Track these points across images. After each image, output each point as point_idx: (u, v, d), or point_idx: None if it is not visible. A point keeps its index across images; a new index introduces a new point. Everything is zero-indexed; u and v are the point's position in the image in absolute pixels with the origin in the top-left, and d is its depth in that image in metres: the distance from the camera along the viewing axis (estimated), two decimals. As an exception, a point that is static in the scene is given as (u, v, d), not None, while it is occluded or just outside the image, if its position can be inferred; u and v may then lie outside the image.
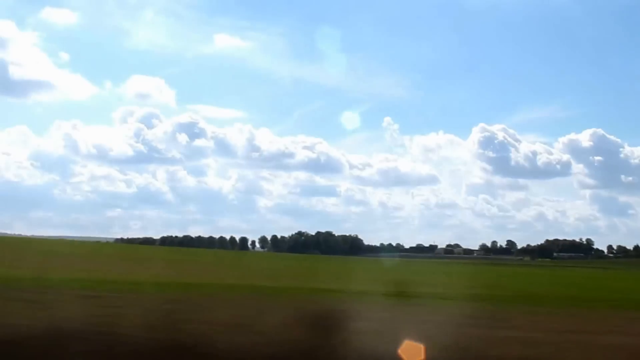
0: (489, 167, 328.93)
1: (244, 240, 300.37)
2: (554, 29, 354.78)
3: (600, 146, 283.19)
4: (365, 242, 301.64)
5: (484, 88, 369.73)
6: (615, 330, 17.01)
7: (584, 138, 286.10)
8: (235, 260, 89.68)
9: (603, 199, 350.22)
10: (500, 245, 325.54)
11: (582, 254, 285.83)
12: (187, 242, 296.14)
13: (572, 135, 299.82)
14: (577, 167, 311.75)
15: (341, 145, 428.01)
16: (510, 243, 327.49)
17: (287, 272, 63.83)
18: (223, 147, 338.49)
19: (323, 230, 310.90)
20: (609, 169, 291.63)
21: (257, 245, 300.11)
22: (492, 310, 22.12)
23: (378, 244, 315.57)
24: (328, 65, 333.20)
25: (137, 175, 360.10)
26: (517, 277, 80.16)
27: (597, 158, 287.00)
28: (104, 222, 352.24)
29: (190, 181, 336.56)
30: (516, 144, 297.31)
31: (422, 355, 13.45)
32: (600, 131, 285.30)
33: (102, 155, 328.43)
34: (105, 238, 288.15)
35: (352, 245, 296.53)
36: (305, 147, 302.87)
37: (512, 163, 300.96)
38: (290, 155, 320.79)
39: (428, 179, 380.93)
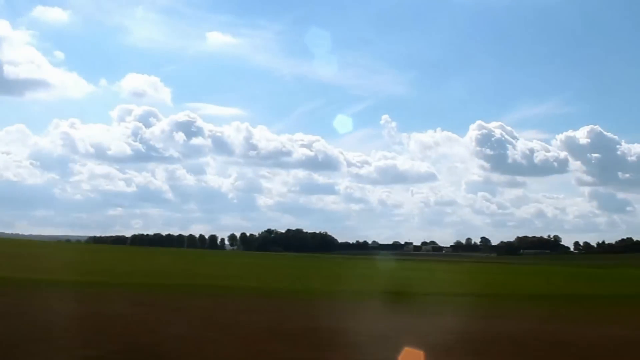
0: (486, 165, 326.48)
1: (213, 238, 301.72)
2: (552, 26, 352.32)
3: (598, 143, 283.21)
4: (340, 240, 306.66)
5: (482, 85, 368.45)
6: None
7: (581, 135, 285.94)
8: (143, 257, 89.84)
9: (601, 196, 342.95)
10: (475, 243, 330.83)
11: (547, 251, 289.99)
12: (156, 240, 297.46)
13: (570, 133, 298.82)
14: (575, 164, 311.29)
15: (339, 144, 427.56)
16: (485, 240, 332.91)
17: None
18: (221, 146, 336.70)
19: (293, 228, 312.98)
20: (606, 166, 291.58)
21: (227, 243, 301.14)
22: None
23: (354, 242, 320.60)
24: (326, 63, 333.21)
25: (136, 174, 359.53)
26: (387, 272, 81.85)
27: (595, 155, 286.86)
28: (105, 220, 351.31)
29: (189, 180, 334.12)
30: (513, 141, 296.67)
31: None
32: (598, 128, 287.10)
33: (100, 154, 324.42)
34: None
35: (321, 243, 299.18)
36: (303, 145, 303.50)
37: (510, 160, 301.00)
38: (289, 153, 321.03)
39: (426, 177, 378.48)
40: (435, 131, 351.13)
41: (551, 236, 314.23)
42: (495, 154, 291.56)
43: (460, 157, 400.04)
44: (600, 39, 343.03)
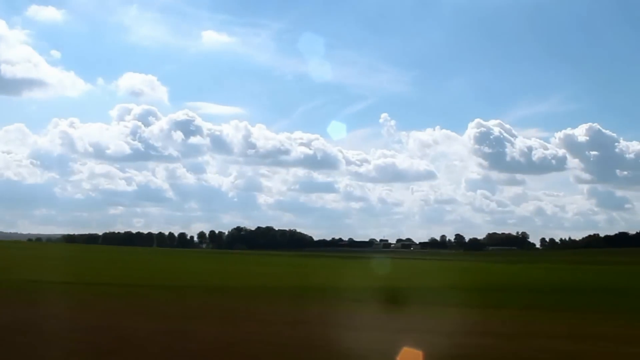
0: (485, 163, 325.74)
1: (183, 236, 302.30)
2: (552, 24, 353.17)
3: (596, 141, 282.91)
4: (316, 238, 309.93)
5: (482, 84, 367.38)
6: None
7: (580, 133, 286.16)
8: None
9: (600, 193, 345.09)
10: (449, 240, 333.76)
11: (514, 247, 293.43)
12: (127, 238, 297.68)
13: (568, 130, 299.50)
14: (573, 162, 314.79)
15: (338, 142, 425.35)
16: (459, 237, 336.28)
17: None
18: (220, 144, 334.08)
19: (263, 226, 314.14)
20: (604, 163, 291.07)
21: (196, 240, 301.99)
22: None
23: (329, 239, 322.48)
24: (326, 62, 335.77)
25: (137, 172, 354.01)
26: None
27: (593, 153, 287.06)
28: (107, 219, 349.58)
29: (189, 178, 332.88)
30: (512, 139, 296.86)
31: None
32: (597, 126, 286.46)
33: (100, 153, 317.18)
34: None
35: (291, 240, 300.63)
36: (302, 144, 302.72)
37: (508, 158, 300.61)
38: (288, 151, 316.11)
39: (425, 175, 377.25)
40: (434, 129, 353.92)
41: (519, 233, 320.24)
42: (493, 152, 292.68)
43: (459, 155, 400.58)
44: (599, 37, 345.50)
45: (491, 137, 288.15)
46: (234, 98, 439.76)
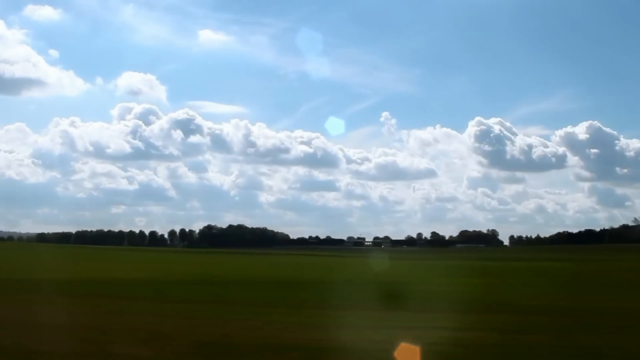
0: (484, 161, 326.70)
1: (153, 234, 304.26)
2: (554, 22, 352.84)
3: (597, 138, 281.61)
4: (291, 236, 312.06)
5: (485, 82, 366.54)
6: None
7: (580, 131, 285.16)
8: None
9: (601, 191, 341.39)
10: (426, 237, 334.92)
11: (482, 245, 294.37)
12: (98, 237, 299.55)
13: (569, 128, 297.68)
14: (573, 160, 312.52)
15: (339, 141, 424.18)
16: (435, 235, 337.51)
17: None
18: (220, 143, 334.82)
19: (235, 224, 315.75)
20: (604, 161, 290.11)
21: (167, 238, 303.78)
22: None
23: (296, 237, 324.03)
24: (328, 61, 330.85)
25: (138, 172, 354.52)
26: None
27: (593, 150, 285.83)
28: (110, 218, 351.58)
29: (191, 177, 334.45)
30: (512, 137, 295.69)
31: (418, 358, 14.50)
32: (597, 124, 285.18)
33: (101, 153, 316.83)
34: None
35: (261, 238, 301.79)
36: (302, 142, 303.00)
37: (508, 156, 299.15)
38: (288, 150, 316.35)
39: (426, 173, 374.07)
40: (434, 128, 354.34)
41: (489, 230, 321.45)
42: (494, 150, 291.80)
43: (459, 154, 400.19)
44: (601, 35, 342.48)
45: (491, 135, 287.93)
46: (235, 97, 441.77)
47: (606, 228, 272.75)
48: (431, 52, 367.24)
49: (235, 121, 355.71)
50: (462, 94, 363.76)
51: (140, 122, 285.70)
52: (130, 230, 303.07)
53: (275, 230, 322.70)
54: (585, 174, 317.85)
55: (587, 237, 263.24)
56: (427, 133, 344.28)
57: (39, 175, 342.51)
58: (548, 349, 17.86)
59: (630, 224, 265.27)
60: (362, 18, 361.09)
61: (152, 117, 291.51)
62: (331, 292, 41.43)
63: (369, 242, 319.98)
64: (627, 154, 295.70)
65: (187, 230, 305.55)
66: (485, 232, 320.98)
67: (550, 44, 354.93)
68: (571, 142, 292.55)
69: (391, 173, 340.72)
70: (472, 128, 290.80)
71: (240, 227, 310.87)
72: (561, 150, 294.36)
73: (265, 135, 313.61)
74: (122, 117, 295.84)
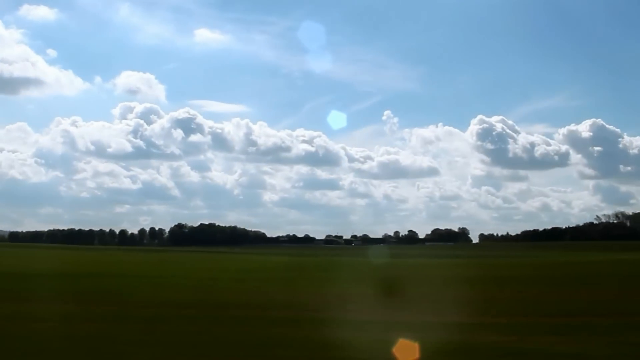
0: (487, 159, 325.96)
1: (123, 233, 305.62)
2: (557, 21, 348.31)
3: (600, 136, 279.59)
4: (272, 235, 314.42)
5: (489, 80, 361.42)
6: None
7: (584, 128, 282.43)
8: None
9: (605, 189, 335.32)
10: (403, 235, 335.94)
11: (451, 243, 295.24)
12: (68, 236, 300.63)
13: (572, 126, 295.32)
14: (576, 158, 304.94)
15: (341, 139, 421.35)
16: (412, 233, 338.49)
17: None
18: (221, 142, 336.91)
19: (206, 222, 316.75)
20: (608, 159, 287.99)
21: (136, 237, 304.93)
22: None
23: (276, 236, 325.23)
24: (331, 59, 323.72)
25: (141, 171, 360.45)
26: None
27: (597, 148, 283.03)
28: (113, 218, 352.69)
29: (194, 176, 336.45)
30: (515, 135, 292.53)
31: (417, 354, 14.41)
32: (600, 121, 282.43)
33: (103, 152, 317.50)
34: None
35: (232, 237, 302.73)
36: (304, 141, 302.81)
37: (511, 154, 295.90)
38: (290, 149, 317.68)
39: (428, 171, 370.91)
40: (437, 126, 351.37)
41: (460, 228, 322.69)
42: (496, 148, 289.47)
43: (461, 152, 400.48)
44: (604, 32, 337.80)
45: (493, 133, 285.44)
46: (238, 96, 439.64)
47: (571, 226, 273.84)
48: (434, 50, 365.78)
49: (237, 120, 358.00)
50: (465, 93, 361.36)
51: (141, 122, 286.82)
52: (101, 229, 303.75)
53: (252, 230, 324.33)
54: (589, 171, 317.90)
55: (552, 235, 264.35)
56: (429, 131, 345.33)
57: (42, 174, 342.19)
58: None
59: (594, 221, 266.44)
60: (364, 17, 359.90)
61: (153, 117, 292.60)
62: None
63: (345, 239, 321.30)
64: (630, 151, 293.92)
65: (156, 229, 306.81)
66: (456, 230, 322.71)
67: (554, 42, 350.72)
68: (574, 140, 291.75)
69: (394, 171, 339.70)
70: (474, 126, 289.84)
71: (211, 226, 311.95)
72: (564, 148, 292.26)
73: (266, 134, 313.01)
74: (123, 117, 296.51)
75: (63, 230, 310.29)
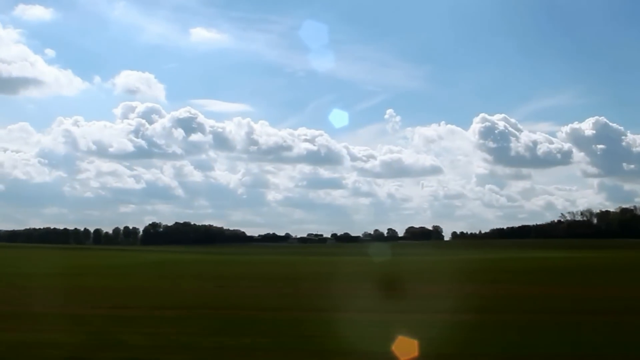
0: (489, 157, 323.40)
1: (97, 232, 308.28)
2: (558, 19, 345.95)
3: (603, 134, 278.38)
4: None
5: (493, 79, 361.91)
6: None
7: (587, 126, 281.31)
8: None
9: (608, 187, 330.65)
10: (382, 233, 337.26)
11: (424, 241, 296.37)
12: (45, 235, 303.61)
13: (575, 124, 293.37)
14: (579, 156, 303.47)
15: (343, 138, 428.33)
16: (391, 231, 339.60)
17: None
18: (223, 142, 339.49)
19: (181, 221, 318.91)
20: (611, 157, 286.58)
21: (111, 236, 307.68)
22: None
23: (257, 235, 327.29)
24: (332, 58, 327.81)
25: (144, 170, 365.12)
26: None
27: (600, 146, 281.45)
28: (117, 217, 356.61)
29: (197, 176, 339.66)
30: (517, 133, 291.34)
31: (416, 352, 14.49)
32: (603, 119, 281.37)
33: (105, 152, 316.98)
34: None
35: (205, 236, 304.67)
36: (306, 140, 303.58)
37: (513, 153, 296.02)
38: (291, 148, 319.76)
39: (431, 170, 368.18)
40: (439, 125, 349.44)
41: (434, 227, 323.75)
42: (498, 146, 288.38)
43: (464, 150, 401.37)
44: (607, 31, 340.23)
45: (496, 131, 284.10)
46: (241, 95, 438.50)
47: (537, 224, 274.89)
48: (437, 49, 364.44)
49: (238, 119, 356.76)
50: (468, 92, 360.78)
51: (143, 121, 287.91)
52: (75, 228, 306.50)
53: (230, 229, 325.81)
54: (592, 169, 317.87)
55: (517, 233, 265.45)
56: (431, 130, 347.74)
57: (45, 174, 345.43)
58: None
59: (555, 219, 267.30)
60: (366, 15, 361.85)
61: (154, 116, 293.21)
62: None
63: (312, 237, 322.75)
64: (634, 149, 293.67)
65: (130, 228, 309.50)
66: (430, 228, 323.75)
67: (558, 41, 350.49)
68: (577, 138, 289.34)
69: (397, 170, 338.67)
70: (477, 125, 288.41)
71: (186, 225, 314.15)
72: (566, 146, 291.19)
73: (267, 133, 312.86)
74: (125, 116, 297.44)
75: (39, 229, 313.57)
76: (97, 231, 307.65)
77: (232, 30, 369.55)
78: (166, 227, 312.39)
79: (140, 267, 78.16)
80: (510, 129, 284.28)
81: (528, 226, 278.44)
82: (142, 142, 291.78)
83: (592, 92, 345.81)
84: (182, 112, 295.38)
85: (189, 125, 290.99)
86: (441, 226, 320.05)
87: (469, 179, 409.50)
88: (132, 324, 23.25)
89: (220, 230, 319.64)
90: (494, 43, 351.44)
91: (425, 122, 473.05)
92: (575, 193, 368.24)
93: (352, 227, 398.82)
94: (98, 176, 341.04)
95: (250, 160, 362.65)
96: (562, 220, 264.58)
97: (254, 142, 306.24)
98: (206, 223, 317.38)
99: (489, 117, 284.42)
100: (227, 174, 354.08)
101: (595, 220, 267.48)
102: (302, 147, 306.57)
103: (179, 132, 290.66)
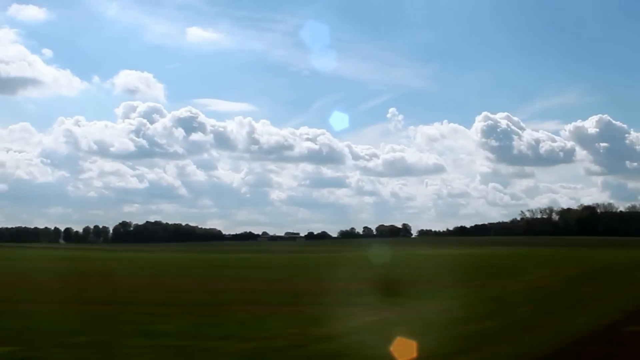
0: (492, 156, 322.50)
1: (68, 231, 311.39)
2: (562, 18, 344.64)
3: (606, 132, 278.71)
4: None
5: (498, 78, 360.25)
6: None
7: (590, 125, 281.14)
8: None
9: (612, 185, 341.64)
10: (358, 231, 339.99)
11: (389, 238, 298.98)
12: (16, 234, 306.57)
13: (578, 122, 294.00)
14: (582, 154, 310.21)
15: (346, 137, 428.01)
16: (367, 229, 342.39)
17: None
18: (224, 141, 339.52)
19: (152, 220, 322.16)
20: (614, 155, 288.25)
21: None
22: None
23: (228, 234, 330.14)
24: (335, 57, 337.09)
25: (147, 170, 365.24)
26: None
27: (603, 144, 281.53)
28: (122, 217, 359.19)
29: (200, 175, 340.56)
30: (520, 131, 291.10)
31: (414, 353, 14.21)
32: (607, 117, 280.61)
33: (107, 152, 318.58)
34: None
35: (176, 234, 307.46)
36: (308, 139, 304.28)
37: (515, 151, 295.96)
38: (294, 147, 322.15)
39: (434, 169, 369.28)
40: (441, 124, 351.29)
41: (403, 224, 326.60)
42: (500, 145, 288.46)
43: (467, 149, 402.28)
44: (609, 29, 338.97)
45: (498, 130, 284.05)
46: (244, 95, 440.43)
47: (497, 222, 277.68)
48: (441, 48, 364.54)
49: (239, 118, 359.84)
50: (472, 91, 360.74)
51: (144, 121, 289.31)
52: (46, 227, 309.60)
53: (203, 227, 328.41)
54: (595, 167, 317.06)
55: (479, 230, 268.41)
56: (434, 129, 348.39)
57: (48, 174, 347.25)
58: None
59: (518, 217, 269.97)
60: (371, 14, 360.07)
61: (155, 116, 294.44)
62: None
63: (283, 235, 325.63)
64: (637, 147, 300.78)
65: (100, 227, 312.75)
66: (399, 226, 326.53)
67: (561, 40, 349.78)
68: (581, 136, 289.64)
69: (399, 169, 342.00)
70: (479, 123, 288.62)
71: (156, 224, 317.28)
72: (569, 144, 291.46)
73: (268, 132, 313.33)
74: (126, 116, 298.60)
75: (10, 228, 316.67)
76: (68, 230, 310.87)
77: (235, 29, 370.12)
78: (137, 226, 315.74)
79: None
80: (513, 127, 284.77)
81: (486, 224, 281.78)
82: (144, 142, 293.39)
83: (598, 91, 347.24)
84: (183, 112, 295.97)
85: (189, 124, 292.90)
86: (446, 224, 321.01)
87: (473, 178, 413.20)
88: None
89: (191, 229, 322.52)
90: (498, 42, 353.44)
91: (427, 120, 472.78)
92: (580, 191, 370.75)
93: (358, 226, 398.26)
94: (101, 176, 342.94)
95: (252, 160, 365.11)
96: (521, 218, 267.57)
97: (255, 142, 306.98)
98: (208, 223, 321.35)
99: (491, 116, 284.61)
100: (231, 173, 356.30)
101: (557, 218, 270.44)
102: (304, 146, 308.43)
103: (180, 132, 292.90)
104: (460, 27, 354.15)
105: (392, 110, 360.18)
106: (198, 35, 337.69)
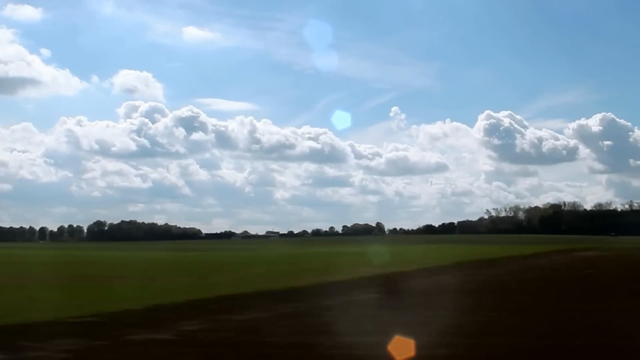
0: (494, 154, 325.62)
1: (43, 230, 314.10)
2: (565, 16, 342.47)
3: (610, 130, 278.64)
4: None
5: (502, 77, 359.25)
6: None
7: (594, 123, 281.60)
8: None
9: (616, 184, 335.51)
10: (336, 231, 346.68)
11: (363, 236, 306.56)
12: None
13: (582, 121, 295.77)
14: (585, 152, 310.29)
15: (348, 136, 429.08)
16: (347, 229, 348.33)
17: None
18: (225, 140, 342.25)
19: (127, 220, 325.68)
20: (618, 153, 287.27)
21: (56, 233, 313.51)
22: None
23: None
24: (337, 57, 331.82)
25: (150, 170, 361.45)
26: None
27: (607, 142, 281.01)
28: (126, 216, 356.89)
29: (203, 174, 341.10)
30: (523, 130, 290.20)
31: (412, 351, 14.05)
32: (610, 115, 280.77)
33: (109, 151, 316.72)
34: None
35: (149, 233, 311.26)
36: (310, 138, 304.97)
37: (518, 150, 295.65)
38: (295, 146, 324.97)
39: (436, 167, 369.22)
40: (444, 122, 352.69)
41: (376, 223, 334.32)
42: (503, 143, 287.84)
43: (469, 148, 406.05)
44: (612, 28, 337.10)
45: (501, 128, 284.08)
46: (247, 94, 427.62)
47: (462, 220, 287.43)
48: (443, 47, 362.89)
49: (240, 117, 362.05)
50: (475, 89, 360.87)
51: (146, 120, 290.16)
52: (21, 227, 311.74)
53: (183, 227, 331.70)
54: (598, 166, 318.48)
55: (446, 228, 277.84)
56: (436, 128, 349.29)
57: (52, 174, 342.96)
58: None
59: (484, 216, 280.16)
60: (373, 13, 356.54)
61: (157, 115, 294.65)
62: None
63: (261, 234, 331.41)
64: None
65: (74, 226, 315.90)
66: (372, 225, 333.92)
67: (565, 38, 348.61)
68: (584, 134, 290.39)
69: (402, 168, 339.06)
70: (482, 122, 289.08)
71: (132, 223, 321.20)
72: (572, 142, 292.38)
73: (270, 132, 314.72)
74: (127, 116, 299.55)
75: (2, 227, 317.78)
76: (42, 229, 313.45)
77: (236, 28, 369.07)
78: (111, 225, 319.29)
79: None
80: (515, 125, 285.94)
81: (453, 222, 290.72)
82: (145, 142, 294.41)
83: (601, 89, 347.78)
84: (184, 111, 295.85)
85: (191, 124, 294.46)
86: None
87: (477, 176, 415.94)
88: None
89: (166, 228, 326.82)
90: (501, 40, 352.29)
91: (430, 119, 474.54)
92: (585, 189, 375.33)
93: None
94: (104, 175, 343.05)
95: (254, 159, 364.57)
96: (485, 216, 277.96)
97: (257, 141, 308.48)
98: (211, 221, 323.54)
99: (494, 114, 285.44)
100: (234, 172, 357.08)
101: (523, 216, 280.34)
102: (306, 145, 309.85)
103: (181, 131, 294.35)
104: (463, 26, 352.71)
105: (394, 109, 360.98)
106: (198, 34, 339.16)
